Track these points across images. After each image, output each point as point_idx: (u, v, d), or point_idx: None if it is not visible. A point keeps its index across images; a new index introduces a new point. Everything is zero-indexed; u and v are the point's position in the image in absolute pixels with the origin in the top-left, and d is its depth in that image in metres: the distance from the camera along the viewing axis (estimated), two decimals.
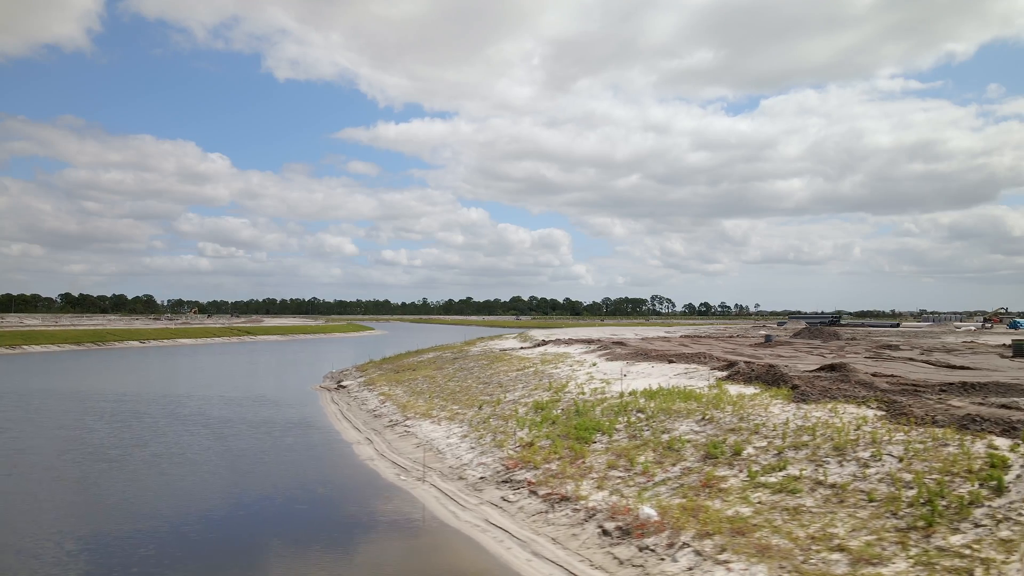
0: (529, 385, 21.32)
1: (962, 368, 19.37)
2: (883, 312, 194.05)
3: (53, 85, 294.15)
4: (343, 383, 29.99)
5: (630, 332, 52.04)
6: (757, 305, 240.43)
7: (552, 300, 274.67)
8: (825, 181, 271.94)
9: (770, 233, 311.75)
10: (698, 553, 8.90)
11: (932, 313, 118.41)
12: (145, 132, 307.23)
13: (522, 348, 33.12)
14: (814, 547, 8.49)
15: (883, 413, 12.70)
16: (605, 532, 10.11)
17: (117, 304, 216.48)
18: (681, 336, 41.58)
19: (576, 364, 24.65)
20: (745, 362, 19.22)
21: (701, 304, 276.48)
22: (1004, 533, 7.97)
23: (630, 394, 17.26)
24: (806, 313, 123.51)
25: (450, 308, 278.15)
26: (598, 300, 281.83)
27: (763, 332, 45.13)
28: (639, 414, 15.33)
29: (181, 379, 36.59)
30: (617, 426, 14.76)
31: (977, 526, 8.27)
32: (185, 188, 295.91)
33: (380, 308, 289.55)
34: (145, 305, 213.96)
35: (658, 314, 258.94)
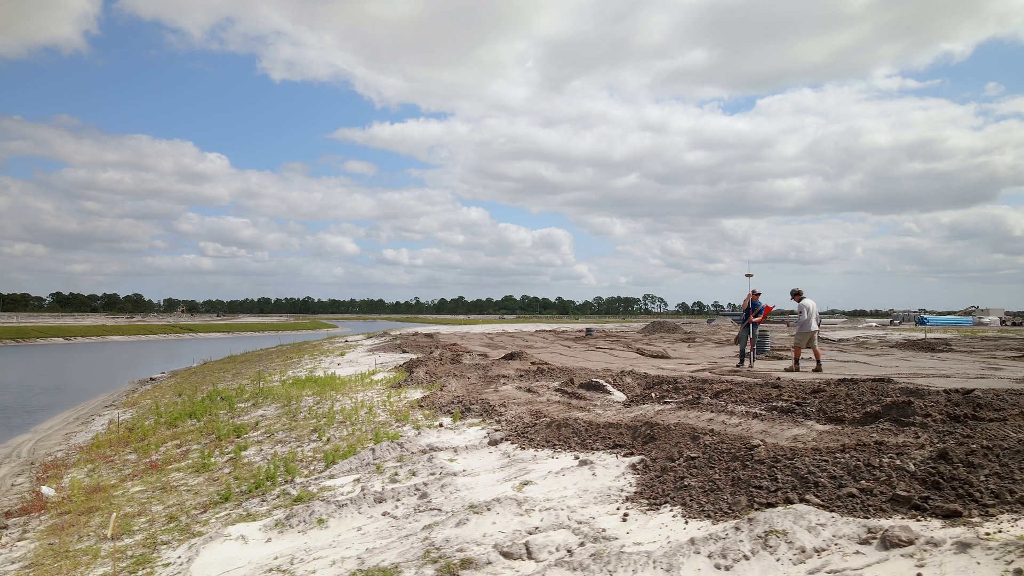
0: (252, 375, 21.07)
1: (661, 356, 18.91)
2: (880, 312, 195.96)
3: (49, 86, 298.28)
4: (154, 376, 29.89)
5: (530, 327, 51.58)
6: None
7: (544, 299, 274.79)
8: (824, 180, 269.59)
9: (771, 233, 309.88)
10: (25, 532, 8.61)
11: (928, 312, 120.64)
12: (141, 132, 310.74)
13: (346, 341, 32.97)
14: (134, 522, 8.17)
15: (428, 395, 12.38)
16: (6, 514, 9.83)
17: (108, 303, 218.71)
18: (537, 331, 41.32)
19: (335, 355, 24.39)
20: (440, 350, 18.89)
21: (694, 303, 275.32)
22: (271, 507, 7.60)
23: (293, 382, 16.97)
24: (729, 311, 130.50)
25: (443, 307, 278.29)
26: (594, 300, 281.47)
27: (585, 327, 45.42)
28: (261, 400, 15.05)
29: (34, 369, 36.66)
30: (220, 412, 14.47)
31: (263, 501, 7.91)
32: (184, 188, 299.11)
33: (374, 307, 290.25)
34: (135, 304, 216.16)
35: (649, 313, 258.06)
